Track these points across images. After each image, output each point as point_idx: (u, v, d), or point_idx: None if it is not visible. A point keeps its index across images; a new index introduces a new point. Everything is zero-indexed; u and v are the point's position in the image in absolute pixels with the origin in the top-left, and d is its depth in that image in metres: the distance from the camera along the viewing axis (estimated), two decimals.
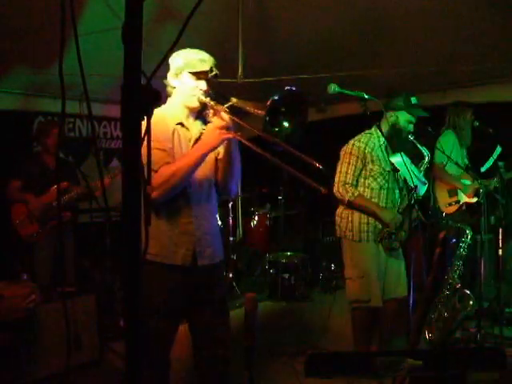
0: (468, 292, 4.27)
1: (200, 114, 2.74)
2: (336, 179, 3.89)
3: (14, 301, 3.58)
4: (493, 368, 1.55)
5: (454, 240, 4.63)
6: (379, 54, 4.89)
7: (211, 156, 2.68)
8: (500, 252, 4.63)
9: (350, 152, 3.86)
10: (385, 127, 3.87)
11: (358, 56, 4.90)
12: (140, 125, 1.20)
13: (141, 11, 1.15)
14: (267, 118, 2.22)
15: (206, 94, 2.59)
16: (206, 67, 2.61)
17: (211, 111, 2.59)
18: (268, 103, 2.22)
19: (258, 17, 4.16)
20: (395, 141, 3.79)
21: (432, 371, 1.38)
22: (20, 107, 5.66)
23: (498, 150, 5.13)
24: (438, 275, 4.32)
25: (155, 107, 1.27)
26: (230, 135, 2.48)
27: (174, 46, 1.25)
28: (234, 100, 2.47)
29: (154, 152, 2.32)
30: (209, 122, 2.62)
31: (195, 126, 2.72)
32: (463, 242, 4.36)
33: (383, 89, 3.98)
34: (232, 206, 7.24)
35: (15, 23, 3.88)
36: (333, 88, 3.45)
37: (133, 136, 1.18)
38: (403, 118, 3.80)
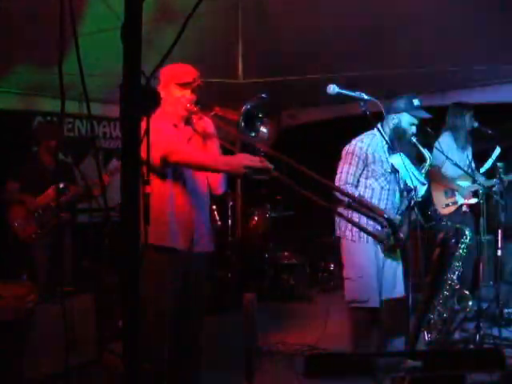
0: (467, 293, 4.27)
1: (188, 121, 3.04)
2: (336, 179, 3.88)
3: (13, 301, 3.57)
4: (492, 369, 1.54)
5: (453, 241, 4.63)
6: (379, 55, 4.89)
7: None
8: (499, 253, 4.63)
9: (352, 152, 3.85)
10: (387, 129, 3.86)
11: (358, 57, 4.90)
12: (139, 124, 1.20)
13: (140, 11, 1.15)
14: (242, 123, 2.56)
15: (192, 102, 2.90)
16: (189, 79, 2.90)
17: (195, 117, 2.99)
18: (242, 109, 2.57)
19: (258, 17, 4.16)
20: (397, 142, 3.78)
21: (431, 372, 1.38)
22: (19, 107, 5.66)
23: (498, 150, 5.13)
24: (437, 276, 4.32)
25: (154, 107, 1.27)
26: (246, 171, 2.66)
27: (174, 46, 1.25)
28: (217, 109, 2.83)
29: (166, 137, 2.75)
30: (194, 128, 3.03)
31: (186, 131, 3.04)
32: (462, 242, 4.36)
33: (383, 90, 3.98)
34: (231, 205, 7.23)
35: (15, 23, 3.88)
36: (332, 88, 3.44)
37: (132, 136, 1.18)
38: (405, 120, 3.79)
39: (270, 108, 2.78)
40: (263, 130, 2.73)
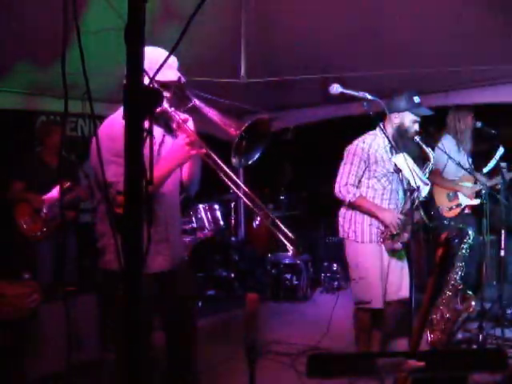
0: (470, 293, 4.26)
1: (158, 119, 2.80)
2: (338, 179, 3.88)
3: (16, 300, 3.58)
4: (494, 369, 1.54)
5: (456, 241, 4.62)
6: (380, 55, 4.88)
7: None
8: (502, 253, 4.63)
9: (354, 152, 3.85)
10: (388, 128, 3.85)
11: (359, 56, 4.89)
12: (143, 124, 1.20)
13: (143, 11, 1.15)
14: (237, 140, 2.43)
15: (168, 101, 2.66)
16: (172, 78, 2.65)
17: (174, 123, 2.70)
18: (243, 128, 2.42)
19: (260, 17, 4.15)
20: (400, 142, 3.78)
21: (434, 372, 1.38)
22: (22, 106, 5.66)
23: (501, 150, 5.13)
24: (440, 276, 4.32)
25: (157, 106, 1.27)
26: (196, 151, 2.59)
27: (177, 46, 1.25)
28: (196, 102, 2.61)
29: (112, 167, 2.39)
30: (171, 129, 2.79)
31: (157, 131, 2.79)
32: (465, 242, 4.36)
33: (385, 90, 3.97)
34: (234, 206, 7.24)
35: (18, 22, 3.88)
36: (335, 88, 3.44)
37: (135, 135, 1.18)
38: (408, 119, 3.79)
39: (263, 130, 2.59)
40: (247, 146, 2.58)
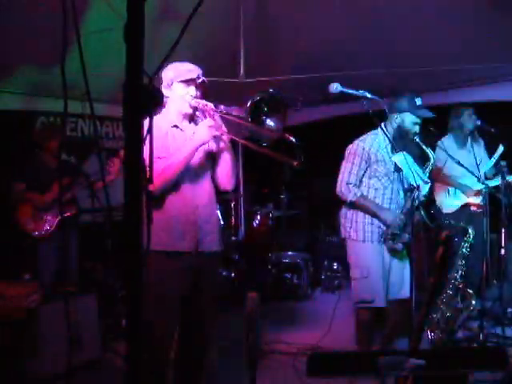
0: (470, 291, 4.26)
1: (192, 118, 3.08)
2: (339, 178, 3.88)
3: (16, 300, 3.58)
4: (495, 368, 1.54)
5: (457, 239, 4.62)
6: (380, 54, 4.88)
7: (206, 151, 3.06)
8: (503, 252, 4.62)
9: (355, 152, 3.85)
10: (390, 128, 3.85)
11: (359, 55, 4.89)
12: (142, 124, 1.20)
13: (143, 11, 1.15)
14: (250, 114, 2.72)
15: (196, 98, 2.94)
16: (193, 75, 2.92)
17: (201, 114, 2.99)
18: (247, 105, 2.72)
19: (259, 17, 4.16)
20: (400, 142, 3.77)
21: (434, 371, 1.38)
22: (22, 107, 5.66)
23: (501, 149, 5.12)
24: (441, 275, 4.31)
25: (157, 106, 1.27)
26: (218, 132, 2.90)
27: (176, 46, 1.25)
28: (221, 107, 2.87)
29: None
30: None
31: (189, 128, 3.03)
32: (465, 241, 4.36)
33: (385, 89, 3.97)
34: (234, 205, 7.24)
35: (18, 23, 3.88)
36: (335, 87, 3.43)
37: (135, 135, 1.18)
38: (408, 120, 3.78)
39: (275, 104, 2.84)
40: (270, 123, 2.83)
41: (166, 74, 2.93)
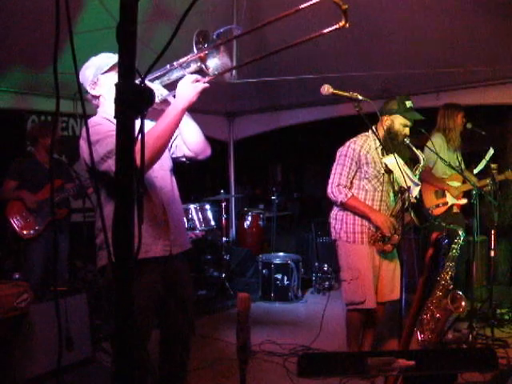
0: (460, 293, 4.28)
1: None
2: (330, 180, 3.90)
3: (6, 300, 3.56)
4: (484, 368, 1.55)
5: (447, 241, 4.64)
6: (372, 56, 4.90)
7: None
8: (492, 253, 4.65)
9: (346, 154, 3.87)
10: (380, 130, 3.87)
11: (352, 58, 4.91)
12: (134, 123, 1.20)
13: (135, 11, 1.15)
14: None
15: None
16: (114, 60, 2.62)
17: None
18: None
19: (251, 17, 4.16)
20: (390, 144, 3.79)
21: (424, 371, 1.39)
22: (13, 106, 5.64)
23: (491, 151, 5.15)
24: (430, 276, 4.33)
25: (149, 106, 1.27)
26: (205, 85, 2.39)
27: (169, 45, 1.25)
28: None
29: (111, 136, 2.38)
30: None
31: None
32: (455, 243, 4.37)
33: (376, 90, 3.99)
34: (225, 206, 7.24)
35: (10, 22, 3.87)
36: (326, 89, 3.44)
37: (126, 134, 1.18)
38: (398, 122, 3.80)
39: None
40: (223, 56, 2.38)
41: (86, 73, 2.67)
